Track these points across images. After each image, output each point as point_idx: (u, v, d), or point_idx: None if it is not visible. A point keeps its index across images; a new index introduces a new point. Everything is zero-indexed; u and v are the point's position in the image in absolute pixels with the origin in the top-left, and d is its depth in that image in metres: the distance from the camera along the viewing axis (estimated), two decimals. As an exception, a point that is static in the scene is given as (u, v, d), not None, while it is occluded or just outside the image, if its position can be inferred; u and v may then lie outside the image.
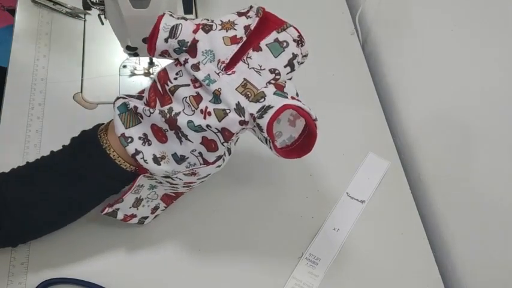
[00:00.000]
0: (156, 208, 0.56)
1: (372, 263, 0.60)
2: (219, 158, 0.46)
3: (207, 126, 0.43)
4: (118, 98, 0.48)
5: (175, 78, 0.45)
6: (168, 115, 0.44)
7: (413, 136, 0.72)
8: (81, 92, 0.68)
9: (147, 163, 0.46)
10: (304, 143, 0.44)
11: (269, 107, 0.41)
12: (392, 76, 0.78)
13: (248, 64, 0.43)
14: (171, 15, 0.45)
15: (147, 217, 0.56)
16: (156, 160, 0.46)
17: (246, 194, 0.63)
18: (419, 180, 0.70)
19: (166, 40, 0.44)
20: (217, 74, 0.43)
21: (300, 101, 0.43)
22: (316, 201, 0.64)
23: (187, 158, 0.46)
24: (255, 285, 0.57)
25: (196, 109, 0.43)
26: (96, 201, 0.51)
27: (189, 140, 0.44)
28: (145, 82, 0.70)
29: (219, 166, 0.47)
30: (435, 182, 0.67)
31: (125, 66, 0.71)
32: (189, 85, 0.44)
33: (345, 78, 0.77)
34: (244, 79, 0.43)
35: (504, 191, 0.54)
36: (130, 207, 0.52)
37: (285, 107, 0.40)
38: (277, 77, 0.44)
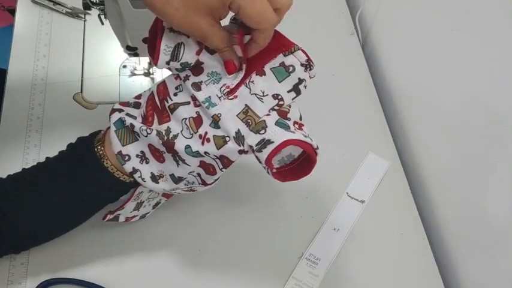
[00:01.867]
0: (157, 204, 0.55)
1: (372, 263, 0.60)
2: (217, 180, 0.45)
3: (205, 153, 0.41)
4: (114, 111, 0.46)
5: (175, 94, 0.43)
6: (165, 137, 0.42)
7: (413, 136, 0.72)
8: (81, 92, 0.68)
9: (144, 181, 0.45)
10: (302, 165, 0.42)
11: (269, 142, 0.39)
12: (392, 76, 0.78)
13: (250, 89, 0.41)
14: (169, 29, 0.42)
15: (148, 212, 0.56)
16: (154, 178, 0.45)
17: (246, 194, 0.63)
18: (419, 180, 0.70)
19: (168, 63, 0.42)
20: (219, 97, 0.41)
21: (302, 127, 0.41)
22: (316, 201, 0.64)
23: (186, 178, 0.45)
24: (255, 285, 0.57)
25: (195, 133, 0.42)
26: (95, 210, 0.50)
27: (187, 164, 0.43)
28: (145, 82, 0.70)
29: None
30: (435, 182, 0.67)
31: (125, 66, 0.71)
32: (189, 103, 0.42)
33: (345, 78, 0.77)
34: (246, 105, 0.41)
35: (504, 190, 0.54)
36: (131, 211, 0.52)
37: (286, 143, 0.39)
38: (281, 102, 0.42)
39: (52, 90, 0.67)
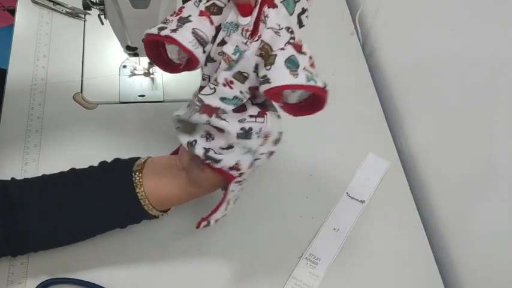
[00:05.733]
0: (236, 199, 0.53)
1: (372, 263, 0.60)
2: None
3: (240, 92, 0.42)
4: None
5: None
6: (200, 103, 0.42)
7: (413, 136, 0.72)
8: (81, 92, 0.68)
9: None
10: (314, 100, 0.42)
11: (267, 80, 0.39)
12: (393, 76, 0.78)
13: (266, 24, 0.40)
14: (172, 30, 0.41)
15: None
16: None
17: (246, 194, 0.63)
18: (419, 180, 0.70)
19: (204, 51, 0.41)
20: (245, 43, 0.40)
21: (313, 65, 0.41)
22: (316, 201, 0.64)
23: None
24: (255, 285, 0.57)
25: (216, 86, 0.42)
26: (102, 231, 0.50)
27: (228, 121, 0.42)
28: (145, 82, 0.70)
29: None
30: (435, 182, 0.67)
31: (124, 66, 0.71)
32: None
33: (345, 78, 0.77)
34: (262, 40, 0.40)
35: (504, 190, 0.54)
36: (222, 212, 0.51)
37: (282, 87, 0.39)
38: (293, 35, 0.41)
39: (52, 90, 0.67)
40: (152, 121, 0.66)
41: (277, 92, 0.40)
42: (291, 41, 0.40)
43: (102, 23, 0.60)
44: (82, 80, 0.69)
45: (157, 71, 0.71)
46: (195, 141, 0.44)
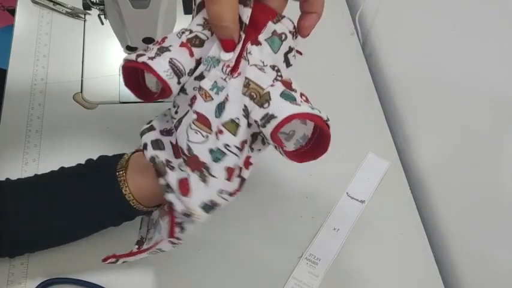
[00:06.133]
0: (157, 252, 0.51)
1: (372, 263, 0.60)
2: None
3: (226, 146, 0.38)
4: (145, 147, 0.43)
5: (176, 112, 0.42)
6: (187, 153, 0.39)
7: (413, 136, 0.72)
8: (81, 92, 0.68)
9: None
10: (318, 142, 0.40)
11: (272, 117, 0.37)
12: (393, 76, 0.78)
13: (249, 61, 0.38)
14: (150, 57, 0.38)
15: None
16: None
17: (246, 194, 0.63)
18: (419, 180, 0.70)
19: (178, 82, 0.39)
20: (224, 79, 0.39)
21: (308, 101, 0.39)
22: (316, 201, 0.64)
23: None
24: (255, 285, 0.57)
25: (209, 134, 0.39)
26: (96, 230, 0.50)
27: (213, 176, 0.39)
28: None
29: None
30: (435, 181, 0.67)
31: (125, 66, 0.71)
32: (188, 111, 0.40)
33: (345, 78, 0.77)
34: (246, 78, 0.38)
35: (504, 190, 0.54)
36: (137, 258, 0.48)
37: (290, 118, 0.36)
38: (279, 73, 0.39)
39: (52, 90, 0.67)
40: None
41: (278, 134, 0.37)
42: (278, 78, 0.38)
43: (102, 23, 0.60)
44: (82, 80, 0.69)
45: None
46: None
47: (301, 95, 0.39)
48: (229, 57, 0.38)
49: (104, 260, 0.47)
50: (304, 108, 0.37)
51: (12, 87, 0.66)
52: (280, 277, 0.57)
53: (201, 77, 0.40)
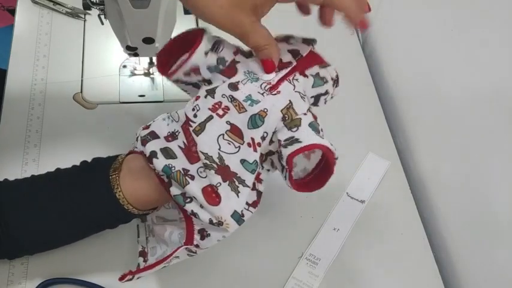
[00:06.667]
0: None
1: (372, 263, 0.60)
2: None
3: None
4: (154, 155, 0.41)
5: (195, 116, 0.42)
6: (216, 163, 0.40)
7: (413, 136, 0.72)
8: (81, 92, 0.68)
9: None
10: (317, 178, 0.42)
11: (297, 141, 0.39)
12: (392, 76, 0.78)
13: (295, 86, 0.42)
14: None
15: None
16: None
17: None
18: (419, 180, 0.70)
19: (206, 53, 0.41)
20: (261, 94, 0.40)
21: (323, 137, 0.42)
22: (316, 201, 0.64)
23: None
24: (255, 285, 0.57)
25: (241, 144, 0.40)
26: (92, 231, 0.50)
27: (247, 186, 0.41)
28: (145, 82, 0.70)
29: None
30: (435, 182, 0.67)
31: (125, 66, 0.71)
32: (212, 117, 0.41)
33: (345, 78, 0.76)
34: (290, 101, 0.41)
35: (504, 190, 0.54)
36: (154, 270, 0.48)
37: (314, 146, 0.39)
38: (309, 105, 0.44)
39: (52, 90, 0.67)
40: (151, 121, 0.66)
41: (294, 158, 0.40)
42: (310, 108, 0.43)
43: (102, 23, 0.60)
44: (82, 80, 0.69)
45: (157, 71, 0.71)
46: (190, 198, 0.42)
47: (321, 129, 0.42)
48: (271, 77, 0.41)
49: (121, 278, 0.47)
50: (326, 142, 0.40)
51: (12, 87, 0.66)
52: (280, 277, 0.57)
53: (235, 87, 0.41)
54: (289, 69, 0.42)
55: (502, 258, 0.55)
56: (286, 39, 0.45)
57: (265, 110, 0.40)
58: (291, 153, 0.39)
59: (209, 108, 0.41)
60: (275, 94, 0.41)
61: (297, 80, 0.42)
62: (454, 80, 0.62)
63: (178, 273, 0.56)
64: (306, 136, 0.40)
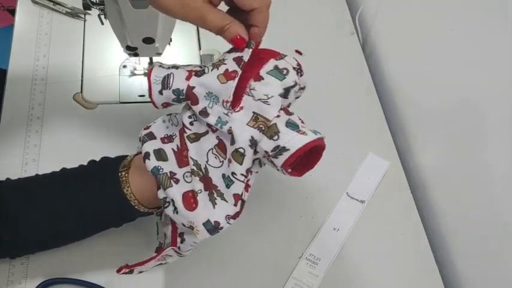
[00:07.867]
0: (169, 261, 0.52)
1: (372, 263, 0.60)
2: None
3: (232, 174, 0.41)
4: (147, 156, 0.43)
5: (191, 124, 0.43)
6: (200, 173, 0.41)
7: (413, 136, 0.72)
8: (81, 92, 0.68)
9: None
10: (311, 154, 0.42)
11: (284, 149, 0.39)
12: (392, 76, 0.78)
13: (253, 96, 0.41)
14: (160, 65, 0.43)
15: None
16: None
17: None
18: (419, 180, 0.70)
19: (160, 92, 0.42)
20: (226, 114, 0.41)
21: (303, 122, 0.41)
22: (316, 201, 0.64)
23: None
24: (255, 285, 0.57)
25: (225, 159, 0.41)
26: (96, 230, 0.50)
27: (225, 200, 0.41)
28: (145, 82, 0.70)
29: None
30: (435, 182, 0.67)
31: (125, 66, 0.71)
32: (208, 132, 0.42)
33: (345, 78, 0.77)
34: (254, 113, 0.40)
35: (504, 190, 0.54)
36: (151, 266, 0.49)
37: (303, 148, 0.38)
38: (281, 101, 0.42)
39: (52, 90, 0.67)
40: (152, 121, 0.66)
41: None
42: (281, 106, 0.41)
43: (102, 23, 0.60)
44: (82, 80, 0.69)
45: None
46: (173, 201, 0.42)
47: (298, 118, 0.41)
48: (228, 94, 0.41)
49: (118, 271, 0.47)
50: (310, 136, 0.39)
51: (12, 87, 0.66)
52: (280, 277, 0.57)
53: (205, 114, 0.42)
54: (237, 78, 0.41)
55: (502, 258, 0.55)
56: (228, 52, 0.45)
57: (230, 128, 0.40)
58: (283, 162, 0.39)
59: (206, 124, 0.42)
60: (238, 111, 0.41)
61: (253, 89, 0.41)
62: (454, 80, 0.62)
63: (178, 273, 0.56)
64: (290, 140, 0.39)
